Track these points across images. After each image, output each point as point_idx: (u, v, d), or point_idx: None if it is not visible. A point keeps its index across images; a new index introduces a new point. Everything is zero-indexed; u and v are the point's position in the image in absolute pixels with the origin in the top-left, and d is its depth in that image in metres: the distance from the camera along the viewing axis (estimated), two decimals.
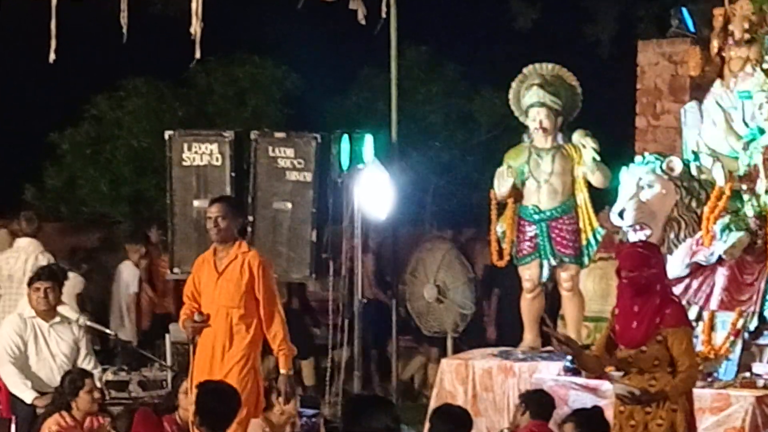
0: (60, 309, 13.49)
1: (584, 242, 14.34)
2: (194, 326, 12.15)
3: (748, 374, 13.01)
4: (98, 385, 12.75)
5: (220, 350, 12.10)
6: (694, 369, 10.77)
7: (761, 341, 13.48)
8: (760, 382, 12.82)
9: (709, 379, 12.80)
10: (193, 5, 13.03)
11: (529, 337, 14.66)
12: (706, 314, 13.33)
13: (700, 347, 13.14)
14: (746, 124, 13.70)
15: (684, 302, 13.14)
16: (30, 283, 13.53)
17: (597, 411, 11.35)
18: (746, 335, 13.26)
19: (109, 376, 13.27)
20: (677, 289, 13.25)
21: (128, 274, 19.08)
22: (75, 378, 12.33)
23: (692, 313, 13.23)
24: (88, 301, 18.55)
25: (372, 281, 17.63)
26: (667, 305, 10.82)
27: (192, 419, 10.46)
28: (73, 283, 17.27)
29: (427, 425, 12.02)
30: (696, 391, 12.42)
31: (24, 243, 17.52)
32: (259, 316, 12.15)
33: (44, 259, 16.71)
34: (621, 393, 10.87)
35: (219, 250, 12.22)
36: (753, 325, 13.27)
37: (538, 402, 11.78)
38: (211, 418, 9.81)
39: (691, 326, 11.42)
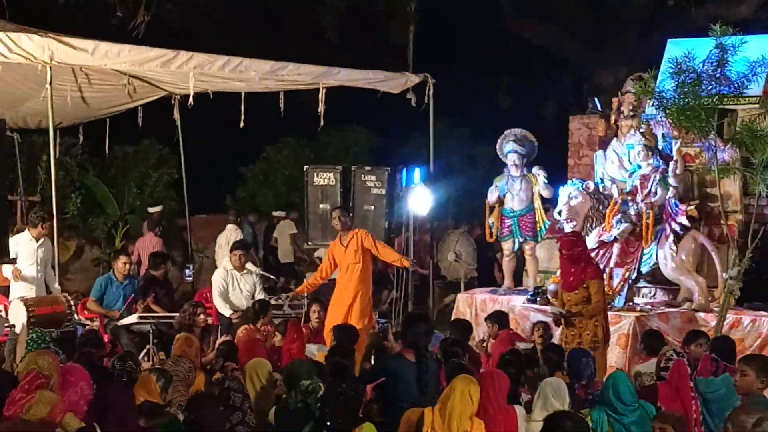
0: (247, 265, 13.50)
1: (538, 229, 14.28)
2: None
3: (631, 304, 13.02)
4: None
5: (346, 287, 12.35)
6: (599, 303, 10.92)
7: (639, 285, 13.60)
8: (638, 308, 12.87)
9: (610, 307, 12.52)
10: (320, 96, 13.01)
11: (507, 282, 14.69)
12: (607, 269, 13.16)
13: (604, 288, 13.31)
14: (630, 163, 13.63)
15: None
16: (231, 250, 13.59)
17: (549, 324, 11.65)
18: (630, 282, 13.20)
19: (272, 302, 13.31)
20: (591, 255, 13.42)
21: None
22: (264, 303, 12.33)
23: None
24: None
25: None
26: (589, 266, 11.15)
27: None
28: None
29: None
30: None
31: (230, 227, 18.06)
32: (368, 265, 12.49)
33: (238, 237, 17.17)
34: (553, 312, 11.27)
35: (342, 236, 12.47)
36: (633, 276, 13.30)
37: (502, 319, 11.99)
38: (342, 349, 9.33)
39: (602, 277, 11.54)
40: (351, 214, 13.12)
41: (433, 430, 7.10)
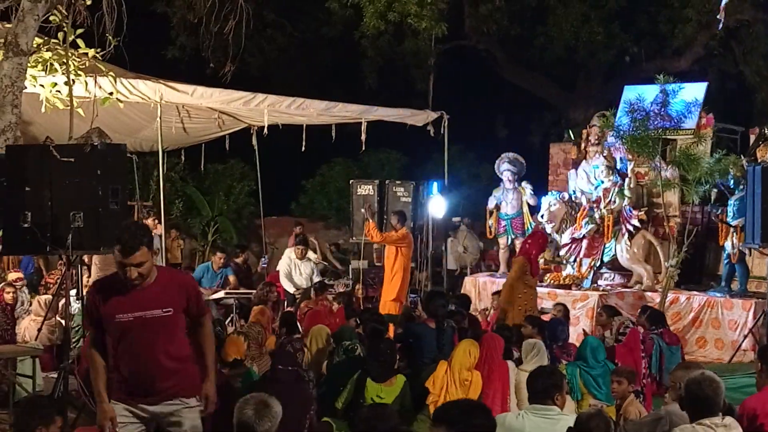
0: (308, 254, 13.53)
1: (526, 228, 14.10)
2: None
3: (596, 285, 12.98)
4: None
5: (386, 270, 12.15)
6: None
7: (601, 271, 13.39)
8: (601, 288, 12.78)
9: (580, 287, 12.79)
10: (363, 127, 13.00)
11: (502, 267, 14.43)
12: (578, 259, 13.21)
13: (575, 272, 13.22)
14: (596, 179, 13.50)
15: (568, 254, 13.36)
16: (294, 244, 13.55)
17: None
18: (595, 268, 13.17)
19: (325, 281, 13.31)
20: (566, 249, 13.35)
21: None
22: (324, 283, 12.43)
23: (571, 260, 13.35)
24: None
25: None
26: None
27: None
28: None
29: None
30: (573, 292, 12.58)
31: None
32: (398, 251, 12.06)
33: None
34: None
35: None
36: (597, 264, 13.21)
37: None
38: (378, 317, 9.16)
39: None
40: (398, 218, 12.73)
41: (445, 376, 7.14)
